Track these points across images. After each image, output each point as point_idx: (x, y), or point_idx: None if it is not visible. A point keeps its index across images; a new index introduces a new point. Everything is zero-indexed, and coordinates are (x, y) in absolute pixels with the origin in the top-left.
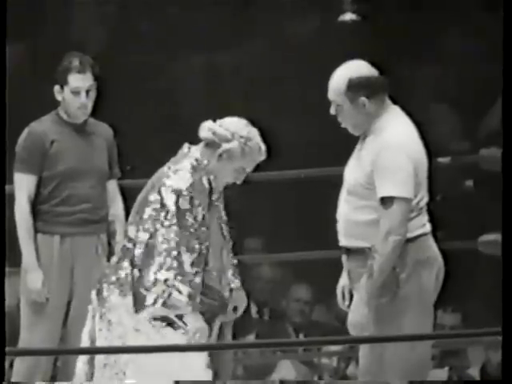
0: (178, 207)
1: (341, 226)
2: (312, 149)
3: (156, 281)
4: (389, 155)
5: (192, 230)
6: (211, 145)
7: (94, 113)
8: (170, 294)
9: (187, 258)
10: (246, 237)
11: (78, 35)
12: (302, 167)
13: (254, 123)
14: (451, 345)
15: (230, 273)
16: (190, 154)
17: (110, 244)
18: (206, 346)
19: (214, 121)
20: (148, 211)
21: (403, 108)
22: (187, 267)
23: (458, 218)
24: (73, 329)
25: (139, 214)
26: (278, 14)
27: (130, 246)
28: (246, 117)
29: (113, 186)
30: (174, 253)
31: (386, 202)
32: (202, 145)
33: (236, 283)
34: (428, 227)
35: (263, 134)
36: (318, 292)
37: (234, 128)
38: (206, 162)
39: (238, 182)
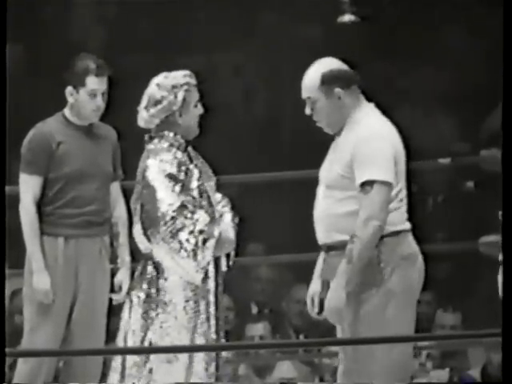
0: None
1: (321, 224)
2: (311, 149)
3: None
4: (369, 142)
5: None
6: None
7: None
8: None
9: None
10: (245, 239)
11: (77, 35)
12: (302, 168)
13: (253, 123)
14: (452, 346)
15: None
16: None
17: (112, 246)
18: (207, 346)
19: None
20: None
21: (400, 108)
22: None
23: (459, 219)
24: (76, 330)
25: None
26: (277, 15)
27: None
28: (246, 117)
29: (116, 188)
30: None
31: (365, 187)
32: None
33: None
34: (408, 225)
35: (262, 134)
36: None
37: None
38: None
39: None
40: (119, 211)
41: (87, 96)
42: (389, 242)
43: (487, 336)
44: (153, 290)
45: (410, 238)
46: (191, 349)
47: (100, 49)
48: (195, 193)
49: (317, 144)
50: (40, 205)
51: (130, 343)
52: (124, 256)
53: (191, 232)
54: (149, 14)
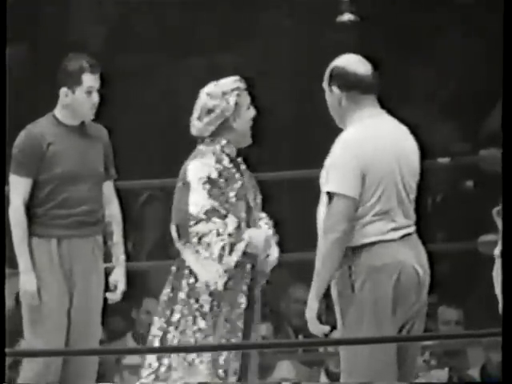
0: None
1: (320, 230)
2: (309, 149)
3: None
4: (336, 152)
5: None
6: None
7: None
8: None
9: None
10: None
11: (76, 35)
12: (301, 168)
13: (252, 123)
14: (451, 345)
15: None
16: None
17: (105, 245)
18: (206, 346)
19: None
20: None
21: (400, 108)
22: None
23: (458, 219)
24: (73, 330)
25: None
26: (276, 15)
27: None
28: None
29: (109, 188)
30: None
31: (329, 197)
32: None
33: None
34: (392, 235)
35: (261, 134)
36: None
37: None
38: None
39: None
40: (113, 210)
41: (84, 94)
42: (360, 254)
43: (487, 336)
44: (181, 289)
45: (391, 248)
46: (193, 349)
47: (99, 49)
48: (232, 201)
49: (314, 144)
50: (31, 206)
51: (154, 343)
52: (118, 255)
53: (219, 235)
54: (148, 14)
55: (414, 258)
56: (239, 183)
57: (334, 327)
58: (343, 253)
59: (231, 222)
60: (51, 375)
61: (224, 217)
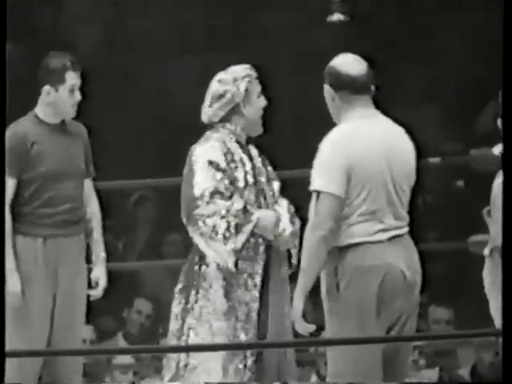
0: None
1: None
2: (302, 149)
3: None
4: (323, 150)
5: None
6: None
7: (85, 114)
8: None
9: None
10: None
11: (70, 35)
12: (297, 168)
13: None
14: (441, 345)
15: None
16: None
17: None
18: (205, 346)
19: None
20: None
21: (391, 108)
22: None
23: (449, 218)
24: (57, 330)
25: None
26: (267, 15)
27: None
28: None
29: (89, 185)
30: None
31: (316, 196)
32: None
33: None
34: (380, 236)
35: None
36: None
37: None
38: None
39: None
40: (93, 208)
41: (67, 92)
42: (347, 254)
43: (486, 335)
44: (194, 276)
45: (377, 250)
46: (194, 349)
47: (91, 49)
48: (239, 184)
49: (308, 143)
50: (16, 205)
51: (172, 328)
52: (99, 252)
53: (223, 217)
54: (141, 14)
55: (401, 261)
56: (248, 167)
57: (322, 327)
58: (328, 251)
59: (237, 203)
60: (28, 375)
61: (229, 199)
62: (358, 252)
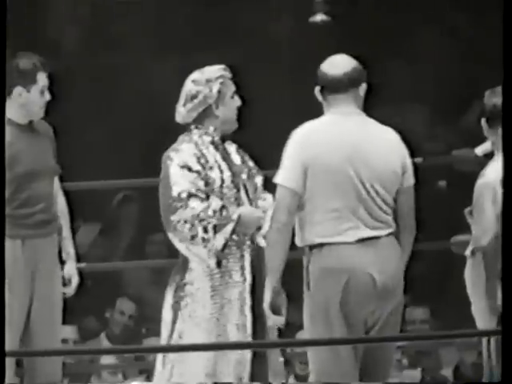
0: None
1: None
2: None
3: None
4: (287, 144)
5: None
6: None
7: (68, 114)
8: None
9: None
10: None
11: (52, 35)
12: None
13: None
14: (423, 346)
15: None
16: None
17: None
18: (205, 345)
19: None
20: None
21: (373, 108)
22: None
23: (431, 218)
24: (35, 331)
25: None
26: (251, 15)
27: None
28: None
29: (56, 183)
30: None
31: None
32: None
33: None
34: (346, 237)
35: (240, 129)
36: (290, 293)
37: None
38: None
39: (239, 104)
40: (61, 205)
41: (38, 93)
42: (313, 253)
43: (486, 334)
44: (182, 280)
45: (341, 252)
46: (193, 348)
47: (74, 49)
48: (215, 186)
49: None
50: None
51: (164, 335)
52: (68, 249)
53: (201, 220)
54: (125, 14)
55: (371, 264)
56: (223, 167)
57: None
58: (287, 245)
59: (214, 204)
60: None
61: (205, 200)
62: (323, 253)
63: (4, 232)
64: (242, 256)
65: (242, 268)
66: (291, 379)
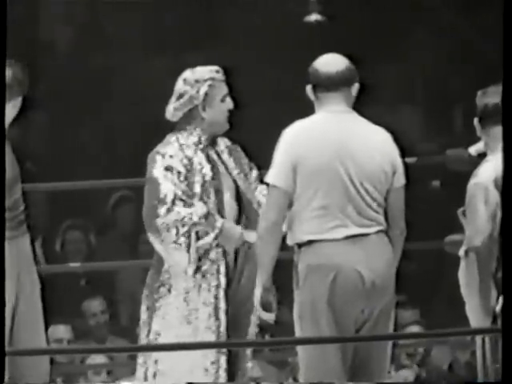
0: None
1: None
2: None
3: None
4: (277, 145)
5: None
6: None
7: (62, 115)
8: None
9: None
10: None
11: (43, 35)
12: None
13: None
14: (418, 345)
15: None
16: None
17: None
18: (203, 344)
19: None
20: None
21: (366, 107)
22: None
23: (425, 218)
24: (20, 332)
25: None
26: (243, 14)
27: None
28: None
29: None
30: None
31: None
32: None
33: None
34: (334, 234)
35: (231, 132)
36: (281, 292)
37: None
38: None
39: (231, 107)
40: None
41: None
42: (301, 251)
43: (486, 332)
44: (156, 281)
45: (328, 249)
46: (191, 347)
47: (67, 48)
48: (198, 190)
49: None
50: None
51: (141, 335)
52: None
53: (184, 225)
54: (117, 14)
55: (359, 261)
56: (208, 171)
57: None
58: (278, 243)
59: (199, 210)
60: None
61: (190, 205)
62: (310, 250)
63: (4, 232)
64: (219, 260)
65: (218, 272)
66: (291, 380)
